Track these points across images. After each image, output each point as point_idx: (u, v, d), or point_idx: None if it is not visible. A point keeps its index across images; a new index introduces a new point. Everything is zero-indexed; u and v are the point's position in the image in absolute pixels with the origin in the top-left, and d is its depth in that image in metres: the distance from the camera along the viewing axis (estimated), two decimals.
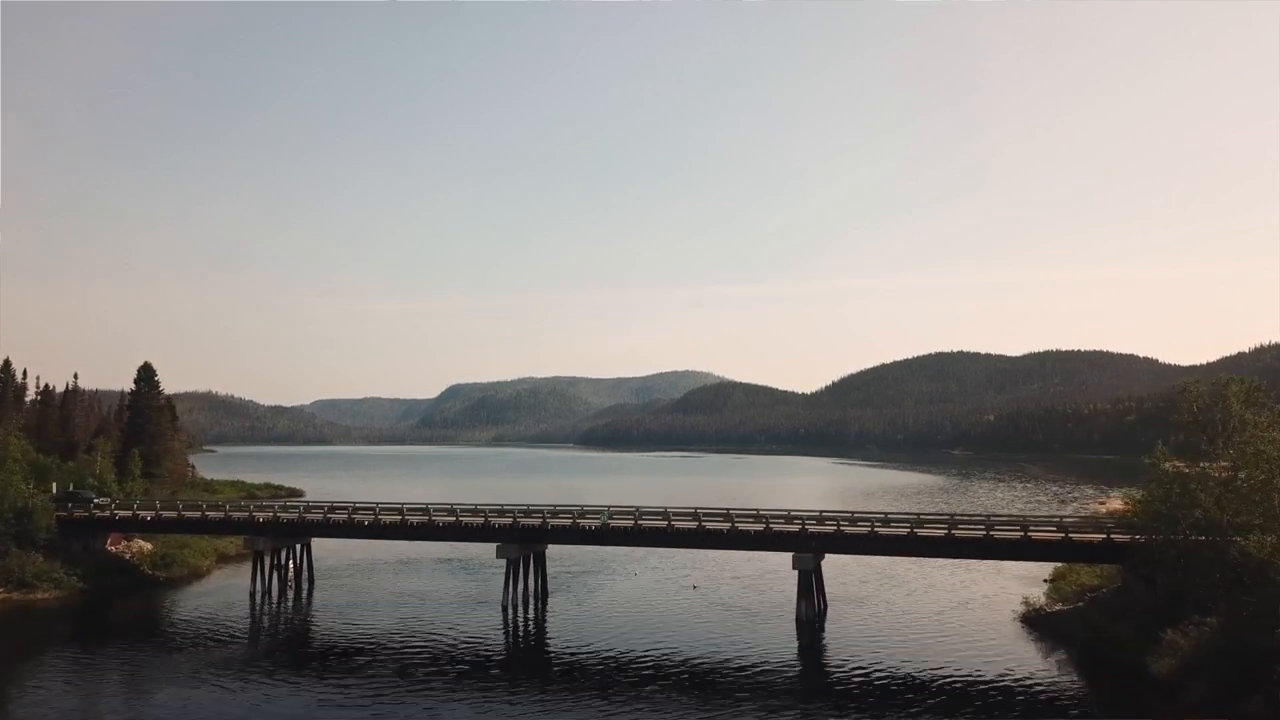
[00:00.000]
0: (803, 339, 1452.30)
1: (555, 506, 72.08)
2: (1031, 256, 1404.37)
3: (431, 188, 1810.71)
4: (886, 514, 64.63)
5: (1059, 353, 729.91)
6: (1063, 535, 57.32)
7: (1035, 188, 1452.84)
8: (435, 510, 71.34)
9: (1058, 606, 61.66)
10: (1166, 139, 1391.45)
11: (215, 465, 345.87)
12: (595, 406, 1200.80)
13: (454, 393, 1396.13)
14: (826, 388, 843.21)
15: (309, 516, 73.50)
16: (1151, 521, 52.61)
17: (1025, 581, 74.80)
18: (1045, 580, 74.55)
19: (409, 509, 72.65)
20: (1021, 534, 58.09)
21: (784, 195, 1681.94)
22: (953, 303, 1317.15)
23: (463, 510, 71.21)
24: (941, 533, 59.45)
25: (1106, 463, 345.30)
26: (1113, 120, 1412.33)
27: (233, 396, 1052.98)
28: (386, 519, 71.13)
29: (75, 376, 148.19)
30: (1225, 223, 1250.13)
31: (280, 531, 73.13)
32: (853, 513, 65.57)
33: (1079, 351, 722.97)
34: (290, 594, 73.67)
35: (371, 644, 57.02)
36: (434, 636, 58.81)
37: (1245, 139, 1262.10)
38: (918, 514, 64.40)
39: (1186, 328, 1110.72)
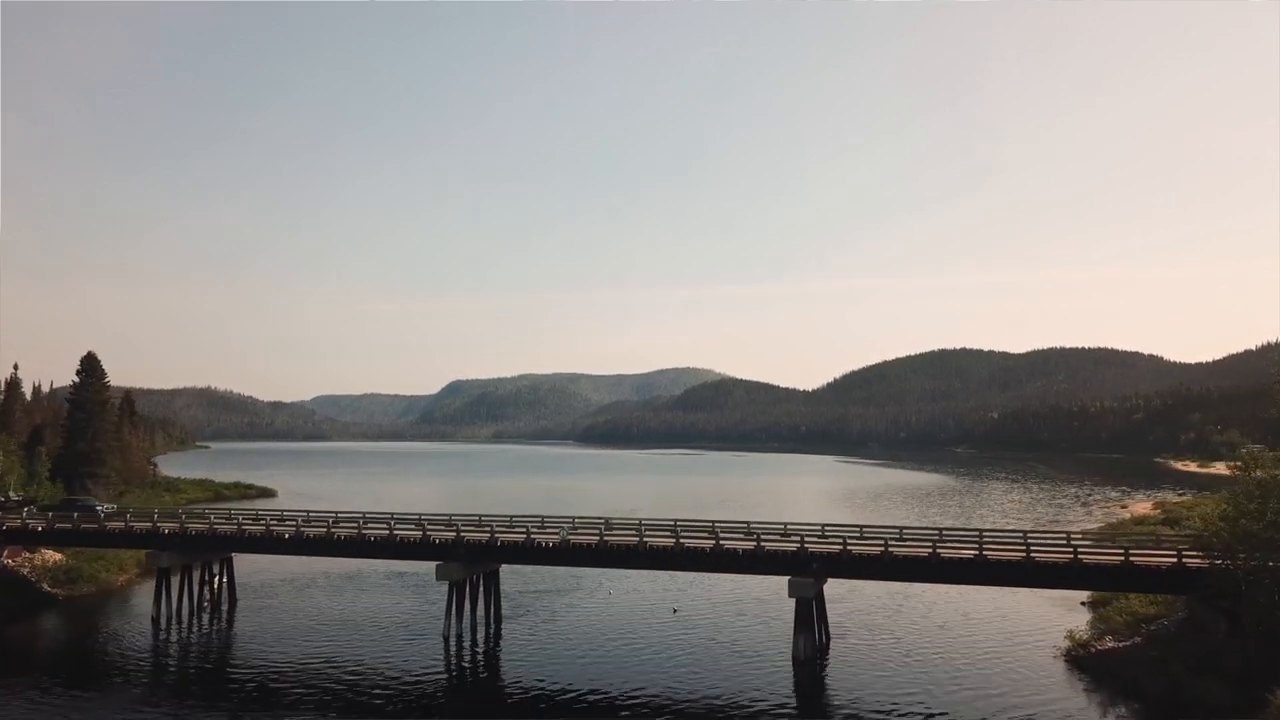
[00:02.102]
0: (804, 338, 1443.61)
1: (511, 518, 61.48)
2: (1033, 257, 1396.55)
3: (434, 188, 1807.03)
4: (901, 529, 53.88)
5: (1063, 350, 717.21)
6: (1122, 557, 46.55)
7: (1036, 188, 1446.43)
8: (368, 522, 60.71)
9: (1109, 642, 50.96)
10: (1167, 139, 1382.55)
11: (205, 462, 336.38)
12: (595, 403, 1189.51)
13: (454, 389, 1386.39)
14: (828, 385, 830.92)
15: (221, 529, 62.74)
16: (1239, 543, 41.88)
17: (1060, 604, 64.35)
18: (1083, 604, 64.22)
19: (339, 520, 62.12)
20: (1071, 556, 47.30)
21: (785, 195, 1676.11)
22: (954, 303, 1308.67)
23: (400, 522, 60.51)
24: (971, 553, 48.71)
25: (1114, 461, 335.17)
26: (1114, 120, 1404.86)
27: (232, 392, 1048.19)
28: (310, 532, 60.41)
29: (15, 368, 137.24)
30: (1227, 222, 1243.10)
31: (189, 546, 62.52)
32: (861, 527, 54.94)
33: (1083, 349, 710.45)
34: (204, 618, 63.13)
35: (282, 684, 47.13)
36: (360, 674, 48.77)
37: (1246, 139, 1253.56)
38: (939, 529, 53.65)
39: (1190, 326, 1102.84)
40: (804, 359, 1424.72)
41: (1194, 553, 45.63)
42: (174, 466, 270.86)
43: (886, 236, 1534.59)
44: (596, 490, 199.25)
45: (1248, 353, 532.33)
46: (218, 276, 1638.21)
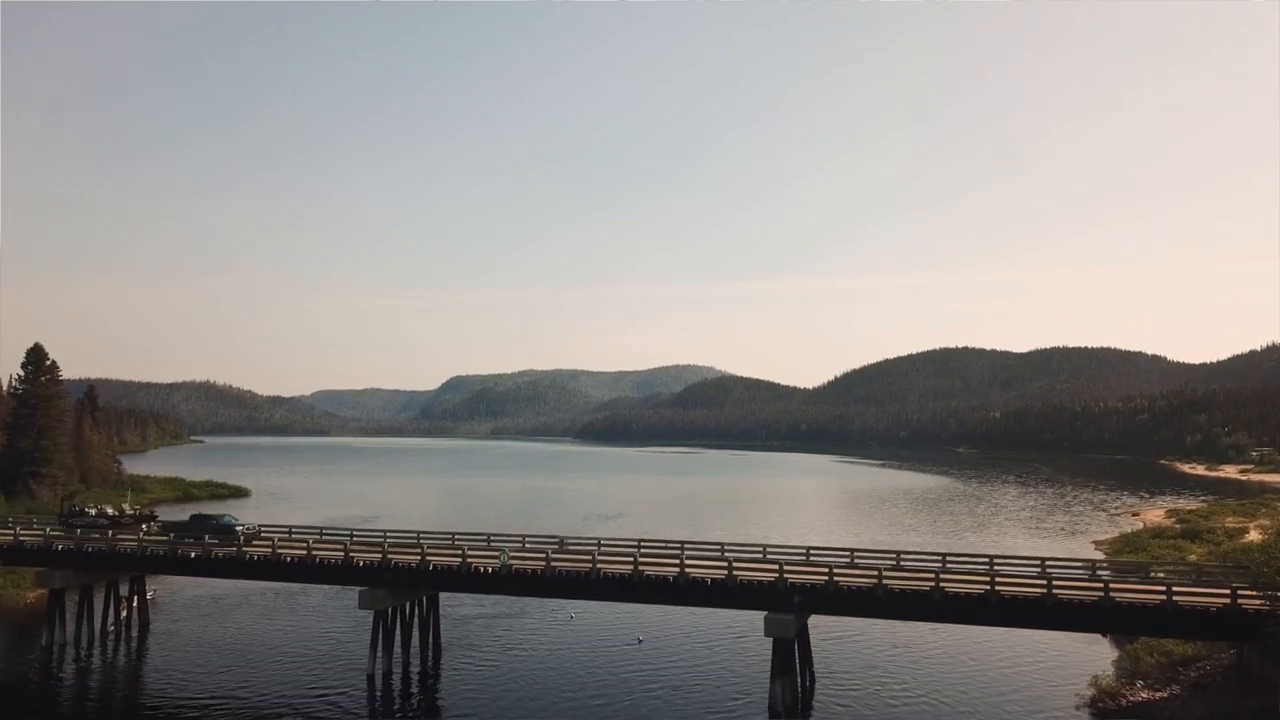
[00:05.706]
0: (805, 337, 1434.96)
1: (453, 536, 53.93)
2: (1035, 256, 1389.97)
3: (435, 184, 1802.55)
4: (899, 554, 46.34)
5: (1065, 349, 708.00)
6: (1164, 595, 38.84)
7: (1039, 187, 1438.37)
8: (285, 541, 53.13)
9: (1142, 691, 43.34)
10: (1170, 139, 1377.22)
11: (194, 458, 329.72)
12: (595, 399, 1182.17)
13: (454, 385, 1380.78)
14: (829, 383, 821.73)
15: (122, 545, 55.12)
16: None
17: (1075, 635, 56.57)
18: (1105, 635, 56.49)
19: (261, 534, 54.52)
20: (1100, 593, 39.66)
21: (786, 193, 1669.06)
22: (956, 302, 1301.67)
23: (323, 540, 52.95)
24: (981, 588, 41.01)
25: (1119, 462, 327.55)
26: (1117, 120, 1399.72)
27: (231, 387, 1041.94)
28: (220, 551, 52.79)
29: None
30: (1231, 222, 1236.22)
31: (85, 564, 54.95)
32: (852, 551, 47.38)
33: (1085, 348, 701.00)
34: (110, 646, 55.58)
35: None
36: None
37: (1248, 140, 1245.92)
38: (943, 555, 46.10)
39: (1193, 327, 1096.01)
40: (805, 357, 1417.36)
41: (1252, 592, 38.00)
42: (161, 462, 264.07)
43: (889, 235, 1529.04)
44: (586, 491, 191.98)
45: (1252, 354, 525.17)
46: (218, 271, 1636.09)
